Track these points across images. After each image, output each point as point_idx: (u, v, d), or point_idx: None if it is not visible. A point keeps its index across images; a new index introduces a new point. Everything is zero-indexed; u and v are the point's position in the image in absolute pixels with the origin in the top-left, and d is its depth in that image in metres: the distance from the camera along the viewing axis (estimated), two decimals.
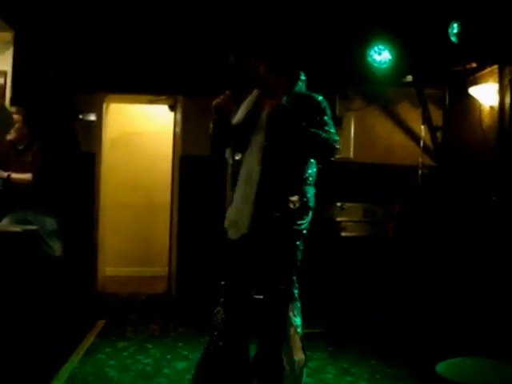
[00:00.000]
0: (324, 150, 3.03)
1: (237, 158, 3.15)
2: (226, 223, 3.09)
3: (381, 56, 4.90)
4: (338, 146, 3.04)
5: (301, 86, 3.21)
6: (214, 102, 3.15)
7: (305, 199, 3.08)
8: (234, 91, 3.14)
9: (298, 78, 3.20)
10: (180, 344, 4.34)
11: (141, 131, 7.23)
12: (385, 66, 4.91)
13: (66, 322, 4.26)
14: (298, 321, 3.05)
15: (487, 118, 4.96)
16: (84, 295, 5.38)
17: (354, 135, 5.81)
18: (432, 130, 5.58)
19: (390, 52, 4.86)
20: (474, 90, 5.08)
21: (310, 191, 3.12)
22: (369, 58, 4.93)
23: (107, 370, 3.66)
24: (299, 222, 3.06)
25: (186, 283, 6.00)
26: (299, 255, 3.09)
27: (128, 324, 4.85)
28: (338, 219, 5.11)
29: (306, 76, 3.24)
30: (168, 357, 4.03)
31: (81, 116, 5.88)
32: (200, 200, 6.02)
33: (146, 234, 7.23)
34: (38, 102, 5.05)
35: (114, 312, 5.32)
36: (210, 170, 6.05)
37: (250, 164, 3.06)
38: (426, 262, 4.95)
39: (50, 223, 4.42)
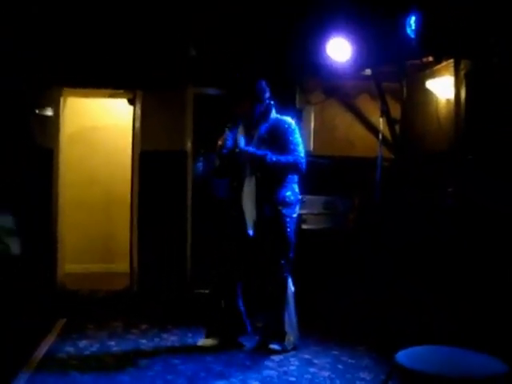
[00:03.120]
0: (293, 171, 4.11)
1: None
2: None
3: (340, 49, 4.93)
4: (303, 164, 4.07)
5: (273, 111, 4.16)
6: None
7: (295, 193, 4.17)
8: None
9: (272, 107, 4.15)
10: (143, 341, 4.31)
11: (99, 126, 7.11)
12: (344, 59, 4.93)
13: (26, 321, 4.19)
14: (293, 288, 4.16)
15: (443, 111, 5.06)
16: (43, 294, 5.28)
17: (314, 128, 5.85)
18: (390, 122, 5.65)
19: (350, 45, 4.89)
20: (430, 84, 5.16)
21: (296, 187, 4.21)
22: (328, 51, 4.95)
23: (69, 370, 3.60)
24: (293, 212, 4.16)
25: (147, 279, 5.94)
26: (294, 238, 4.16)
27: (89, 322, 4.77)
28: (299, 212, 5.13)
29: (270, 92, 4.17)
30: (131, 354, 4.00)
31: (37, 111, 5.74)
32: (160, 196, 5.97)
33: (105, 230, 7.13)
34: None
35: (74, 310, 5.23)
36: (170, 165, 6.01)
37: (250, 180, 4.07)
38: (387, 251, 5.03)
39: (7, 221, 4.33)
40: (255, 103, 4.10)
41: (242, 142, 4.10)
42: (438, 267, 4.40)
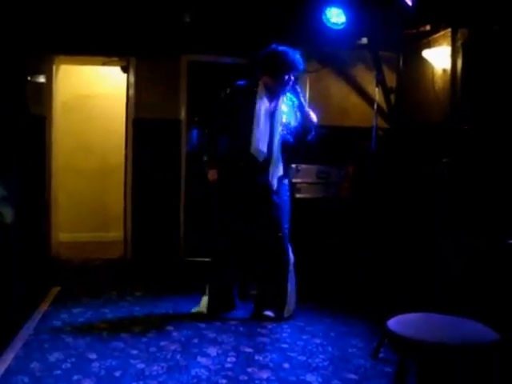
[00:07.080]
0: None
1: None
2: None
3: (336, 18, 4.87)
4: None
5: None
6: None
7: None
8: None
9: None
10: (137, 308, 4.34)
11: (93, 93, 7.04)
12: (340, 28, 4.88)
13: (20, 289, 4.20)
14: (292, 257, 4.15)
15: (440, 81, 5.02)
16: (38, 262, 5.29)
17: (309, 97, 5.80)
18: (386, 92, 5.61)
19: (345, 14, 4.83)
20: (427, 53, 5.11)
21: None
22: (324, 20, 4.89)
23: (63, 336, 3.63)
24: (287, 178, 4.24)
25: (141, 247, 5.97)
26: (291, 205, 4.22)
27: (84, 290, 4.80)
28: (293, 181, 5.13)
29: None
30: (125, 321, 4.03)
31: (29, 78, 5.67)
32: (154, 164, 5.96)
33: (100, 199, 7.12)
34: None
35: (68, 278, 5.26)
36: (164, 134, 5.98)
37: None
38: (381, 220, 5.05)
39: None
40: (293, 76, 4.05)
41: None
42: (432, 236, 4.42)
